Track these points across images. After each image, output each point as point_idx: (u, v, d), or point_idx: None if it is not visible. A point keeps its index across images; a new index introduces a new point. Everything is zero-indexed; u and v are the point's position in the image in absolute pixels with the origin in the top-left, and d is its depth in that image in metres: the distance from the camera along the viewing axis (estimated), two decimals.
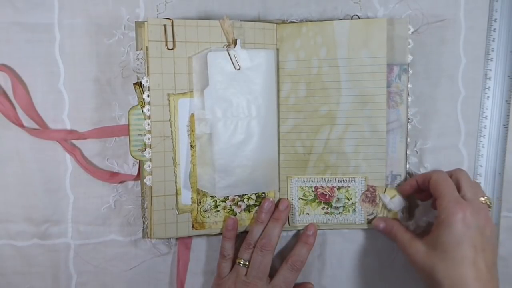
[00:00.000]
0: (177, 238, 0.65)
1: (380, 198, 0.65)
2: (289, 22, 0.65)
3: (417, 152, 0.66)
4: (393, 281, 0.68)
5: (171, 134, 0.60)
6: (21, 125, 0.63)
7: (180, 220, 0.62)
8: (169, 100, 0.60)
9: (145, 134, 0.60)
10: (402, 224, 0.64)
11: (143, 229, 0.64)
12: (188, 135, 0.61)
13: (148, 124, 0.60)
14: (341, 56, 0.62)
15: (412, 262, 0.59)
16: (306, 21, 0.65)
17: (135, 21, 0.62)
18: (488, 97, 0.66)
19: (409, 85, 0.63)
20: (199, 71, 0.60)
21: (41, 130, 0.63)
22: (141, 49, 0.61)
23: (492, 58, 0.66)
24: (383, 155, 0.63)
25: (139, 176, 0.63)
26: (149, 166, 0.60)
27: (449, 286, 0.54)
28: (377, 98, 0.62)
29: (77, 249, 0.65)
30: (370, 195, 0.65)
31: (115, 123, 0.64)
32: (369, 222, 0.66)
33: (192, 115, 0.61)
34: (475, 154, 0.67)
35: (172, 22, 0.59)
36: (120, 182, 0.64)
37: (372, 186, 0.65)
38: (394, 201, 0.64)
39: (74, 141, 0.64)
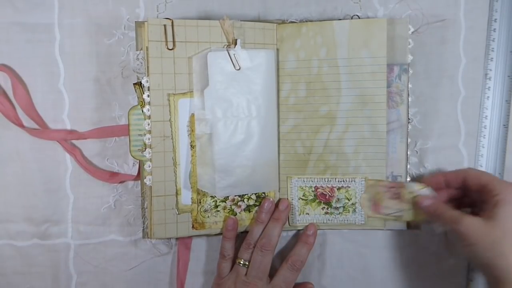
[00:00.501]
0: (177, 238, 0.65)
1: (406, 191, 0.63)
2: (289, 22, 0.64)
3: (417, 152, 0.66)
4: (393, 281, 0.68)
5: (171, 134, 0.60)
6: (21, 125, 0.63)
7: (180, 220, 0.62)
8: (169, 100, 0.60)
9: (145, 134, 0.60)
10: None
11: (143, 229, 0.64)
12: (188, 135, 0.61)
13: (148, 124, 0.60)
14: (341, 56, 0.62)
15: (465, 238, 0.53)
16: (306, 21, 0.65)
17: (135, 21, 0.62)
18: (488, 97, 0.66)
19: (409, 85, 0.63)
20: (199, 71, 0.60)
21: (41, 130, 0.63)
22: (141, 49, 0.61)
23: (492, 58, 0.66)
24: (383, 155, 0.63)
25: (139, 176, 0.63)
26: (149, 166, 0.60)
27: None
28: (377, 98, 0.62)
29: (77, 249, 0.65)
30: (396, 191, 0.63)
31: (115, 123, 0.64)
32: (402, 219, 0.64)
33: (192, 115, 0.61)
34: (475, 154, 0.67)
35: (172, 22, 0.59)
36: (120, 182, 0.64)
37: (394, 182, 0.64)
38: (423, 191, 0.62)
39: (74, 141, 0.64)
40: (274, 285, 0.62)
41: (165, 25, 0.59)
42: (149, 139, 0.60)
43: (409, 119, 0.64)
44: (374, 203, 0.62)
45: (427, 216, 0.60)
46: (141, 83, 0.60)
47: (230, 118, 0.59)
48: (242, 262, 0.62)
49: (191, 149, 0.61)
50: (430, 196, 0.61)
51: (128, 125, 0.62)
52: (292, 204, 0.65)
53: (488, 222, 0.52)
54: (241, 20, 0.62)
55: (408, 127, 0.64)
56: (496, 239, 0.51)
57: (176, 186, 0.61)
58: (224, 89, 0.59)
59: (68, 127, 0.64)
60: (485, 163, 0.66)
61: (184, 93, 0.60)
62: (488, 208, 0.54)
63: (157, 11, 0.64)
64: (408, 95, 0.63)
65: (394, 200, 0.63)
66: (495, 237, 0.51)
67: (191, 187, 0.62)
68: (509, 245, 0.51)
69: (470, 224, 0.53)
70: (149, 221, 0.61)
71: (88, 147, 0.65)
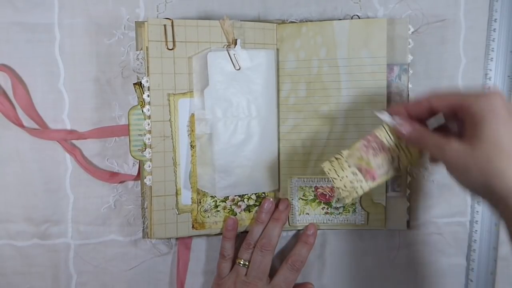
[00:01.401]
0: (177, 238, 0.65)
1: (383, 131, 0.53)
2: (289, 22, 0.65)
3: None
4: (393, 281, 0.68)
5: (171, 134, 0.60)
6: (21, 125, 0.63)
7: (180, 220, 0.61)
8: (169, 100, 0.60)
9: (145, 134, 0.60)
10: None
11: (143, 229, 0.64)
12: (188, 135, 0.61)
13: (148, 124, 0.60)
14: (341, 56, 0.62)
15: (452, 166, 0.48)
16: (306, 21, 0.65)
17: (135, 21, 0.62)
18: None
19: (409, 85, 0.63)
20: (199, 71, 0.60)
21: (41, 130, 0.63)
22: (141, 49, 0.61)
23: (492, 58, 0.66)
24: None
25: (139, 176, 0.63)
26: (149, 166, 0.60)
27: None
28: (377, 98, 0.62)
29: (77, 249, 0.65)
30: (375, 144, 0.53)
31: (115, 123, 0.64)
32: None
33: (192, 115, 0.61)
34: None
35: (172, 22, 0.59)
36: (120, 182, 0.64)
37: (369, 136, 0.53)
38: (397, 119, 0.52)
39: (74, 141, 0.64)
40: (274, 285, 0.62)
41: (165, 25, 0.59)
42: (149, 139, 0.60)
43: None
44: (365, 171, 0.53)
45: (413, 145, 0.53)
46: (141, 83, 0.60)
47: (230, 118, 0.59)
48: (242, 262, 0.62)
49: (191, 149, 0.61)
50: (407, 123, 0.52)
51: (128, 125, 0.62)
52: (292, 204, 0.65)
53: (473, 144, 0.46)
54: (241, 20, 0.62)
55: None
56: (486, 159, 0.45)
57: (176, 186, 0.61)
58: (224, 89, 0.59)
59: (68, 127, 0.64)
60: None
61: (184, 93, 0.60)
62: (469, 128, 0.47)
63: (157, 11, 0.64)
64: (408, 95, 0.63)
65: (380, 154, 0.53)
66: (485, 157, 0.45)
67: (191, 187, 0.62)
68: (501, 161, 0.45)
69: (455, 150, 0.47)
70: (149, 221, 0.61)
71: (88, 147, 0.65)
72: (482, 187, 0.46)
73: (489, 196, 0.47)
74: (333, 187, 0.58)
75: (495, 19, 0.66)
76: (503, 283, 0.66)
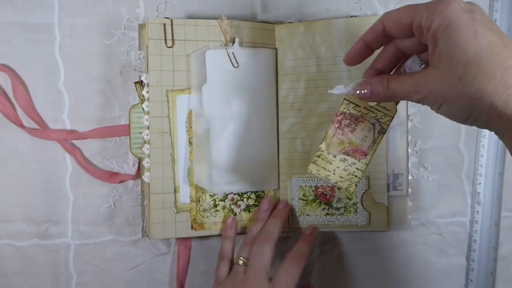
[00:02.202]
0: (176, 238, 0.65)
1: (343, 104, 0.48)
2: (288, 23, 0.65)
3: (417, 152, 0.66)
4: (393, 281, 0.68)
5: (170, 130, 0.61)
6: (21, 125, 0.63)
7: (179, 219, 0.61)
8: (167, 96, 0.60)
9: (144, 131, 0.61)
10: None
11: (143, 227, 0.64)
12: (186, 131, 0.61)
13: (147, 120, 0.60)
14: (339, 54, 0.62)
15: (433, 102, 0.41)
16: (305, 21, 0.65)
17: (139, 24, 0.63)
18: None
19: None
20: (197, 68, 0.60)
21: (41, 130, 0.63)
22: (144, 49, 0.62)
23: None
24: (383, 152, 0.63)
25: (139, 174, 0.63)
26: (148, 163, 0.60)
27: (500, 77, 0.37)
28: None
29: (77, 249, 0.65)
30: (345, 120, 0.48)
31: (115, 123, 0.64)
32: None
33: (191, 112, 0.61)
34: (475, 154, 0.67)
35: (172, 21, 0.60)
36: (120, 182, 0.64)
37: (335, 116, 0.48)
38: (351, 85, 0.47)
39: (74, 141, 0.64)
40: (275, 283, 0.59)
41: (164, 24, 0.59)
42: (147, 134, 0.60)
43: (408, 116, 0.64)
44: (353, 151, 0.48)
45: (384, 100, 0.46)
46: (142, 82, 0.61)
47: (228, 115, 0.60)
48: (241, 261, 0.60)
49: (190, 146, 0.61)
50: (363, 82, 0.46)
51: (129, 123, 0.62)
52: (292, 205, 0.65)
53: (441, 68, 0.39)
54: (240, 20, 0.62)
55: (408, 124, 0.64)
56: (459, 80, 0.38)
57: (174, 183, 0.61)
58: (222, 86, 0.60)
59: (68, 127, 0.64)
60: (485, 163, 0.66)
61: (182, 90, 0.61)
62: (433, 46, 0.40)
63: (157, 11, 0.64)
64: None
65: (357, 127, 0.48)
66: (456, 79, 0.38)
67: (190, 185, 0.62)
68: (475, 76, 0.37)
69: (427, 83, 0.40)
70: (147, 220, 0.61)
71: (88, 147, 0.65)
72: (471, 115, 0.40)
73: (484, 122, 0.40)
74: (333, 186, 0.56)
75: (495, 19, 0.66)
76: (503, 283, 0.66)
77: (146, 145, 0.60)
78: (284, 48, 0.64)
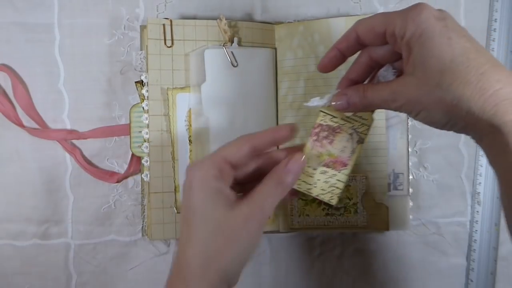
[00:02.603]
0: (177, 238, 0.65)
1: (320, 116, 0.47)
2: (287, 22, 0.65)
3: (416, 152, 0.66)
4: (393, 281, 0.68)
5: (170, 128, 0.61)
6: (21, 125, 0.63)
7: (179, 220, 0.61)
8: (167, 95, 0.60)
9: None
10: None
11: (142, 227, 0.64)
12: (186, 130, 0.61)
13: (146, 119, 0.60)
14: None
15: (411, 110, 0.41)
16: (304, 20, 0.65)
17: (140, 25, 0.63)
18: None
19: None
20: (196, 67, 0.60)
21: (41, 130, 0.63)
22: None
23: None
24: (383, 151, 0.63)
25: (138, 168, 0.63)
26: (147, 161, 0.60)
27: (477, 79, 0.37)
28: None
29: (77, 249, 0.65)
30: (323, 132, 0.47)
31: (115, 123, 0.64)
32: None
33: (190, 110, 0.61)
34: (475, 154, 0.67)
35: (171, 21, 0.60)
36: (117, 182, 0.64)
37: (313, 128, 0.47)
38: (327, 97, 0.46)
39: (74, 141, 0.64)
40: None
41: (164, 24, 0.60)
42: (147, 133, 0.60)
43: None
44: (332, 163, 0.46)
45: (363, 110, 0.45)
46: (142, 82, 0.61)
47: (228, 115, 0.60)
48: None
49: (190, 144, 0.61)
50: (339, 93, 0.45)
51: (130, 122, 0.62)
52: (292, 205, 0.65)
53: (420, 72, 0.39)
54: (239, 21, 0.63)
55: (408, 122, 0.64)
56: (436, 87, 0.38)
57: (174, 182, 0.61)
58: (221, 86, 0.60)
59: (68, 127, 0.64)
60: (485, 163, 0.66)
61: (182, 88, 0.61)
62: (407, 54, 0.40)
63: (157, 11, 0.64)
64: None
65: (336, 138, 0.47)
66: (434, 86, 0.38)
67: None
68: (451, 82, 0.38)
69: (404, 90, 0.40)
70: (147, 220, 0.61)
71: (88, 147, 0.65)
72: (449, 121, 0.40)
73: (462, 127, 0.41)
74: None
75: (495, 19, 0.66)
76: (503, 283, 0.66)
77: (146, 144, 0.60)
78: (284, 47, 0.64)
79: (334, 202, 0.46)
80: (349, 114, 0.46)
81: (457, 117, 0.39)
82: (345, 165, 0.46)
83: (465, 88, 0.37)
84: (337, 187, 0.47)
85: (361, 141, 0.46)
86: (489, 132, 0.39)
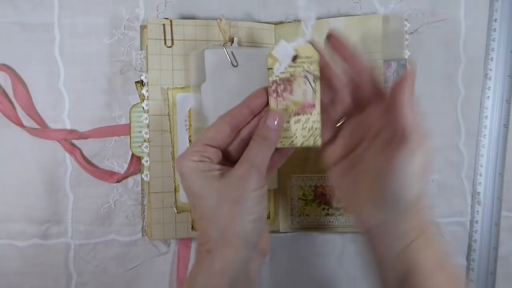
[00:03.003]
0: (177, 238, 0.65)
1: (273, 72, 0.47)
2: (287, 22, 0.65)
3: None
4: None
5: (170, 128, 0.61)
6: (21, 125, 0.63)
7: (179, 220, 0.61)
8: (167, 94, 0.60)
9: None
10: None
11: (142, 227, 0.64)
12: (186, 130, 0.61)
13: (146, 118, 0.60)
14: None
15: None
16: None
17: (140, 25, 0.63)
18: (488, 97, 0.66)
19: None
20: (197, 67, 0.60)
21: (41, 129, 0.63)
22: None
23: (492, 58, 0.66)
24: None
25: (138, 168, 0.63)
26: (147, 161, 0.60)
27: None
28: None
29: (77, 249, 0.65)
30: (274, 87, 0.47)
31: (115, 123, 0.64)
32: None
33: (190, 110, 0.61)
34: (475, 154, 0.67)
35: (171, 21, 0.60)
36: (117, 182, 0.64)
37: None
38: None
39: (74, 141, 0.64)
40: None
41: (164, 24, 0.60)
42: (146, 133, 0.60)
43: None
44: (301, 109, 0.47)
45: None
46: (142, 82, 0.61)
47: None
48: None
49: (190, 144, 0.61)
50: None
51: (130, 122, 0.62)
52: (292, 205, 0.65)
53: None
54: (239, 21, 0.63)
55: None
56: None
57: (174, 182, 0.61)
58: (221, 85, 0.60)
59: (68, 127, 0.64)
60: (485, 163, 0.66)
61: (182, 88, 0.61)
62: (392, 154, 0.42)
63: (157, 11, 0.64)
64: None
65: (292, 86, 0.47)
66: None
67: None
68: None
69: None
70: (147, 220, 0.61)
71: (88, 147, 0.65)
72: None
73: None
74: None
75: (495, 19, 0.66)
76: (503, 283, 0.66)
77: (146, 144, 0.60)
78: None
79: (319, 143, 0.47)
80: (298, 59, 0.47)
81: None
82: (313, 105, 0.47)
83: None
84: (316, 128, 0.47)
85: (317, 78, 0.47)
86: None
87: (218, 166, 0.45)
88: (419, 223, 0.44)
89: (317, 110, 0.47)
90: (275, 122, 0.45)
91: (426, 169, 0.43)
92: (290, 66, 0.47)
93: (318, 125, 0.47)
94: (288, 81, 0.47)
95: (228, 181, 0.44)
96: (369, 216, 0.45)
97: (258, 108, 0.47)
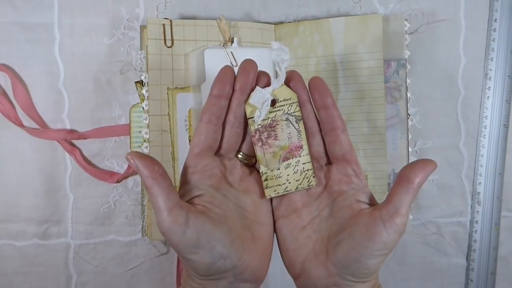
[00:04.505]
0: None
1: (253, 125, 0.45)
2: (287, 22, 0.65)
3: (416, 152, 0.66)
4: (393, 281, 0.68)
5: (170, 128, 0.61)
6: (21, 125, 0.63)
7: None
8: (168, 94, 0.60)
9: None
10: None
11: (142, 227, 0.64)
12: (186, 130, 0.61)
13: (146, 118, 0.60)
14: (338, 53, 0.62)
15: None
16: (303, 20, 0.65)
17: (140, 25, 0.63)
18: (488, 97, 0.66)
19: (408, 80, 0.63)
20: (196, 67, 0.60)
21: (41, 129, 0.63)
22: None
23: (492, 58, 0.66)
24: (383, 151, 0.63)
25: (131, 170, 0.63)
26: None
27: None
28: (374, 93, 0.62)
29: (77, 249, 0.65)
30: (258, 135, 0.45)
31: (115, 123, 0.64)
32: None
33: (190, 110, 0.61)
34: (475, 154, 0.67)
35: (171, 21, 0.60)
36: (120, 181, 0.64)
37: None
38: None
39: (74, 141, 0.64)
40: None
41: (163, 24, 0.60)
42: (146, 133, 0.60)
43: (408, 114, 0.64)
44: (289, 153, 0.46)
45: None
46: (142, 82, 0.61)
47: None
48: None
49: (190, 144, 0.61)
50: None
51: (130, 122, 0.62)
52: None
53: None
54: (239, 21, 0.62)
55: (408, 122, 0.64)
56: None
57: (174, 182, 0.61)
58: None
59: (68, 127, 0.64)
60: (485, 163, 0.66)
61: (182, 88, 0.61)
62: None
63: (157, 10, 0.64)
64: (407, 89, 0.63)
65: (276, 131, 0.46)
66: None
67: None
68: None
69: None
70: (147, 220, 0.61)
71: (88, 147, 0.65)
72: None
73: None
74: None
75: (495, 19, 0.66)
76: (503, 283, 0.66)
77: (146, 144, 0.60)
78: None
79: (313, 183, 0.45)
80: (277, 105, 0.45)
81: None
82: (300, 147, 0.46)
83: None
84: (308, 169, 0.46)
85: (299, 119, 0.45)
86: None
87: (191, 222, 0.41)
88: (374, 284, 0.43)
89: (305, 151, 0.45)
90: None
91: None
92: (270, 112, 0.45)
93: (309, 166, 0.45)
94: (270, 127, 0.45)
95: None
96: (322, 278, 0.42)
97: (228, 92, 0.43)
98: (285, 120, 0.45)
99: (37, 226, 0.65)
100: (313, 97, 0.43)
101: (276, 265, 0.65)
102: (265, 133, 0.45)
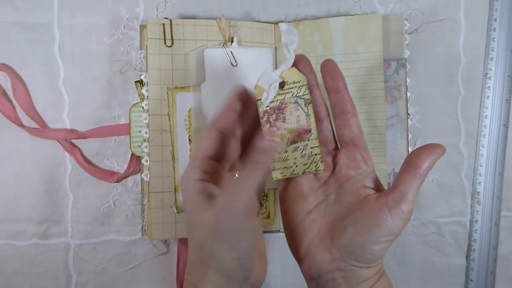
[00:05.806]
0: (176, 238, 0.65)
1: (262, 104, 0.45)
2: (287, 22, 0.65)
3: None
4: (392, 281, 0.67)
5: (170, 128, 0.61)
6: (21, 125, 0.63)
7: (179, 219, 0.61)
8: (167, 94, 0.60)
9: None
10: None
11: (142, 226, 0.64)
12: (186, 129, 0.61)
13: (146, 118, 0.60)
14: (338, 52, 0.62)
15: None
16: (303, 20, 0.65)
17: (140, 25, 0.63)
18: (488, 96, 0.66)
19: (408, 80, 0.63)
20: (196, 67, 0.60)
21: (41, 129, 0.63)
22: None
23: (492, 57, 0.66)
24: (383, 151, 0.63)
25: (138, 168, 0.63)
26: (147, 161, 0.60)
27: None
28: (374, 92, 0.62)
29: (77, 249, 0.65)
30: (266, 118, 0.45)
31: (115, 123, 0.64)
32: None
33: (190, 110, 0.61)
34: (475, 154, 0.67)
35: (171, 21, 0.60)
36: (117, 181, 0.64)
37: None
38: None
39: (74, 141, 0.64)
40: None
41: (163, 24, 0.60)
42: (146, 132, 0.60)
43: (408, 114, 0.64)
44: (297, 137, 0.45)
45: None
46: (142, 81, 0.61)
47: None
48: None
49: (190, 144, 0.61)
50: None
51: (130, 121, 0.62)
52: None
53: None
54: (239, 20, 0.62)
55: (408, 122, 0.64)
56: None
57: (174, 182, 0.61)
58: (221, 85, 0.60)
59: (68, 127, 0.64)
60: (485, 163, 0.66)
61: (182, 88, 0.61)
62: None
63: (157, 10, 0.64)
64: (407, 89, 0.63)
65: (284, 114, 0.45)
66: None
67: None
68: None
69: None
70: (147, 219, 0.61)
71: (88, 147, 0.65)
72: None
73: None
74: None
75: (495, 19, 0.66)
76: (503, 283, 0.66)
77: (145, 143, 0.60)
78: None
79: (321, 168, 0.45)
80: (286, 86, 0.45)
81: None
82: (308, 130, 0.45)
83: None
84: (316, 154, 0.45)
85: (308, 102, 0.45)
86: None
87: (211, 187, 0.41)
88: (379, 269, 0.43)
89: (314, 135, 0.45)
90: (267, 143, 0.39)
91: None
92: (278, 94, 0.44)
93: (317, 150, 0.45)
94: (279, 110, 0.45)
95: (211, 211, 0.39)
96: (326, 263, 0.43)
97: (239, 108, 0.44)
98: (294, 103, 0.45)
99: (37, 226, 0.65)
100: (324, 80, 0.43)
101: (276, 265, 0.65)
102: (274, 115, 0.45)
